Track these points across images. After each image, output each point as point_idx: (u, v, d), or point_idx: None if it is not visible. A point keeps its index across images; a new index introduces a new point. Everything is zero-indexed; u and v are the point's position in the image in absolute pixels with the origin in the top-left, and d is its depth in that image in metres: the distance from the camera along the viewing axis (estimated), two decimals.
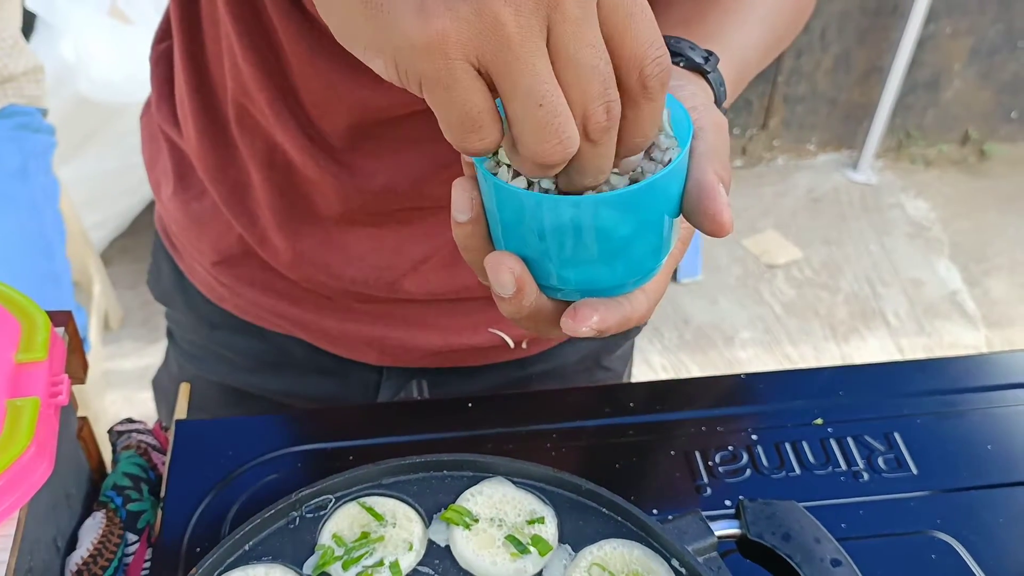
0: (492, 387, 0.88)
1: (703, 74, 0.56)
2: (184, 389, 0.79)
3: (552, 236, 0.46)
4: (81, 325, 1.46)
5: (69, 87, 1.91)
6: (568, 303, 0.49)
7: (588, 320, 0.47)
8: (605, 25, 0.39)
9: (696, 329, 2.38)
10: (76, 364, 0.69)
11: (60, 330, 0.68)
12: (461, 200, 0.48)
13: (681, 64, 0.56)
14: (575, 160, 0.42)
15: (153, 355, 2.14)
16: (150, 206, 2.23)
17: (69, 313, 0.70)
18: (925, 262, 2.60)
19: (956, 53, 2.83)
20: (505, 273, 0.47)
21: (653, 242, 0.47)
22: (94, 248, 2.07)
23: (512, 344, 0.83)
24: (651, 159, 0.48)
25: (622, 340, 0.93)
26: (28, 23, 1.88)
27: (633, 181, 0.47)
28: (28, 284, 1.37)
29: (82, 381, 0.71)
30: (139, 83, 1.96)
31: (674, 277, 2.47)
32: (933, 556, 0.67)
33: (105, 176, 2.06)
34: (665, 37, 0.56)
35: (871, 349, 2.33)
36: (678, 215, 0.48)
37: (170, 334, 0.99)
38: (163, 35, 0.85)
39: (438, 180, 0.73)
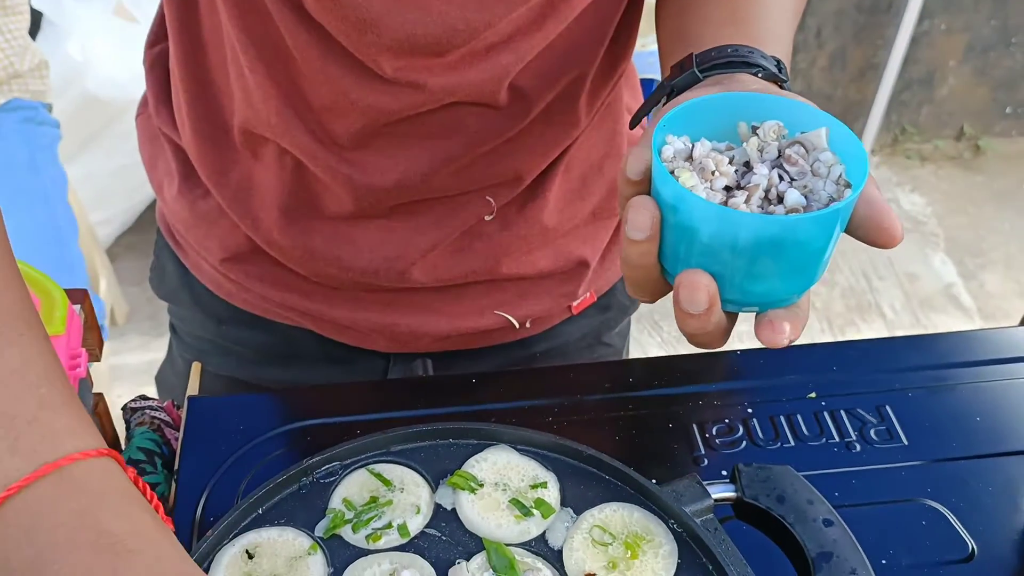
0: (497, 367, 0.90)
1: (779, 83, 0.58)
2: (196, 367, 0.81)
3: (748, 252, 0.49)
4: (99, 313, 1.48)
5: (75, 86, 1.93)
6: (734, 314, 0.53)
7: (784, 331, 0.51)
8: None
9: None
10: (92, 341, 0.72)
11: (77, 307, 0.70)
12: (641, 219, 0.50)
13: (759, 75, 0.57)
14: None
15: (158, 350, 2.15)
16: (155, 203, 2.25)
17: (85, 292, 0.72)
18: (921, 256, 2.62)
19: (951, 50, 2.85)
20: (701, 292, 0.49)
21: (828, 256, 0.51)
22: (100, 244, 2.09)
23: (517, 325, 0.86)
24: (817, 175, 0.51)
25: (621, 316, 0.96)
26: (35, 22, 1.90)
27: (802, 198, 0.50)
28: (43, 271, 1.39)
29: (98, 359, 0.74)
30: (144, 81, 1.98)
31: None
32: (923, 523, 0.69)
33: (111, 173, 2.08)
34: (736, 47, 0.58)
35: None
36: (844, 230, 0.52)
37: (174, 330, 1.00)
38: (156, 39, 0.85)
39: (446, 172, 0.75)
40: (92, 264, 1.97)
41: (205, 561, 0.58)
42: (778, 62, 0.59)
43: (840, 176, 0.51)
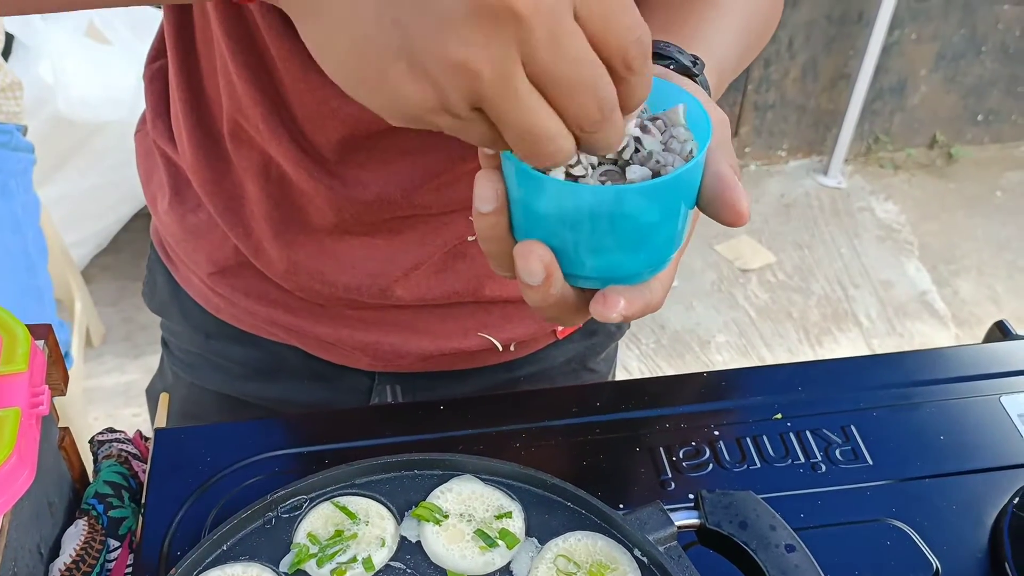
0: (481, 390, 0.91)
1: (692, 77, 0.59)
2: (164, 399, 0.81)
3: (581, 224, 0.48)
4: (63, 340, 1.48)
5: (48, 107, 1.92)
6: (588, 291, 0.52)
7: (616, 306, 0.50)
8: (588, 28, 0.42)
9: (672, 334, 2.41)
10: (57, 376, 0.71)
11: (40, 343, 0.70)
12: (485, 191, 0.50)
13: (671, 67, 0.59)
14: (584, 145, 0.46)
15: (135, 371, 2.15)
16: (130, 224, 2.24)
17: (49, 327, 0.72)
18: (895, 263, 2.64)
19: (921, 59, 2.88)
20: (535, 262, 0.49)
21: (672, 232, 0.50)
22: (75, 266, 2.08)
23: (500, 347, 0.86)
24: (670, 150, 0.50)
25: (607, 342, 0.96)
26: (7, 45, 1.89)
27: (655, 172, 0.49)
28: (10, 300, 1.38)
29: (63, 393, 0.73)
30: (116, 102, 1.98)
31: None
32: (888, 543, 0.70)
33: (85, 194, 2.07)
34: (655, 40, 0.58)
35: (844, 350, 2.37)
36: (694, 207, 0.51)
37: (165, 344, 1.00)
38: (157, 54, 0.86)
39: (428, 188, 0.75)
40: (67, 286, 1.96)
41: None
42: (695, 58, 0.60)
43: (691, 152, 0.50)
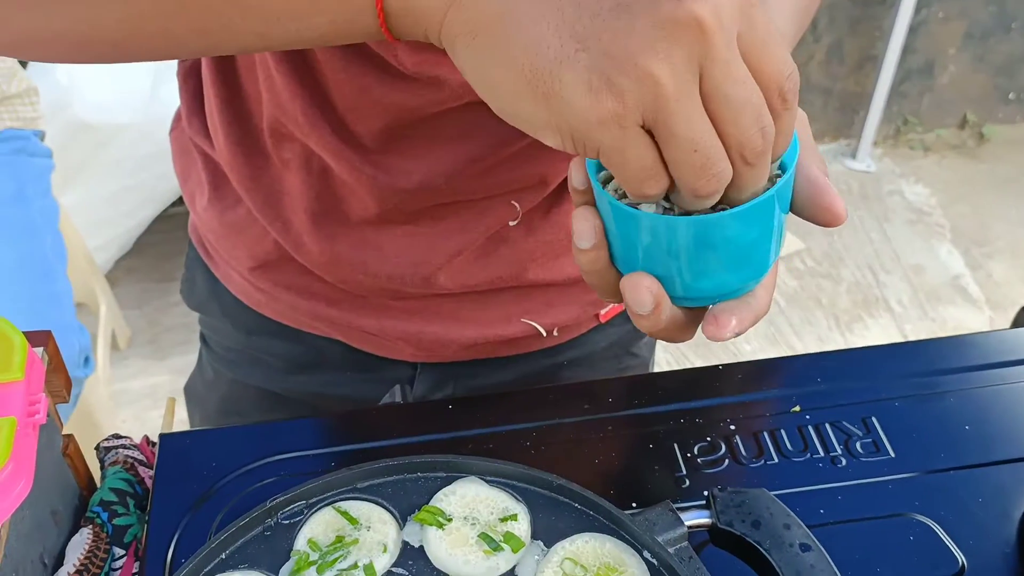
0: (523, 376, 0.90)
1: None
2: (170, 403, 0.80)
3: (683, 253, 0.49)
4: (84, 345, 1.48)
5: (65, 112, 1.93)
6: (697, 308, 0.54)
7: (729, 325, 0.52)
8: (747, 56, 0.43)
9: None
10: (58, 383, 0.70)
11: (39, 350, 0.69)
12: (584, 229, 0.52)
13: None
14: (733, 181, 0.46)
15: (161, 373, 2.16)
16: (152, 226, 2.25)
17: (49, 333, 0.71)
18: (926, 247, 2.59)
19: (949, 38, 2.82)
20: (644, 293, 0.50)
21: (772, 243, 0.51)
22: (99, 270, 2.09)
23: (544, 333, 0.85)
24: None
25: None
26: None
27: None
28: (29, 307, 1.38)
29: (65, 400, 0.72)
30: (133, 105, 1.98)
31: None
32: (911, 538, 0.67)
33: (105, 199, 2.08)
34: None
35: (875, 337, 2.33)
36: (788, 211, 0.52)
37: (204, 340, 1.01)
38: None
39: (471, 174, 0.75)
40: (91, 290, 1.97)
41: None
42: None
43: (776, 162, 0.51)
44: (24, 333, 0.67)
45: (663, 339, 0.55)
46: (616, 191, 0.51)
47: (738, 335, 0.53)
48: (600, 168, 0.52)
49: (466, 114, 0.72)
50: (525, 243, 0.80)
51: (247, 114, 0.79)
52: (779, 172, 0.51)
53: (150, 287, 2.34)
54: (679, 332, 0.54)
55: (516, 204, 0.78)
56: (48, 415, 0.69)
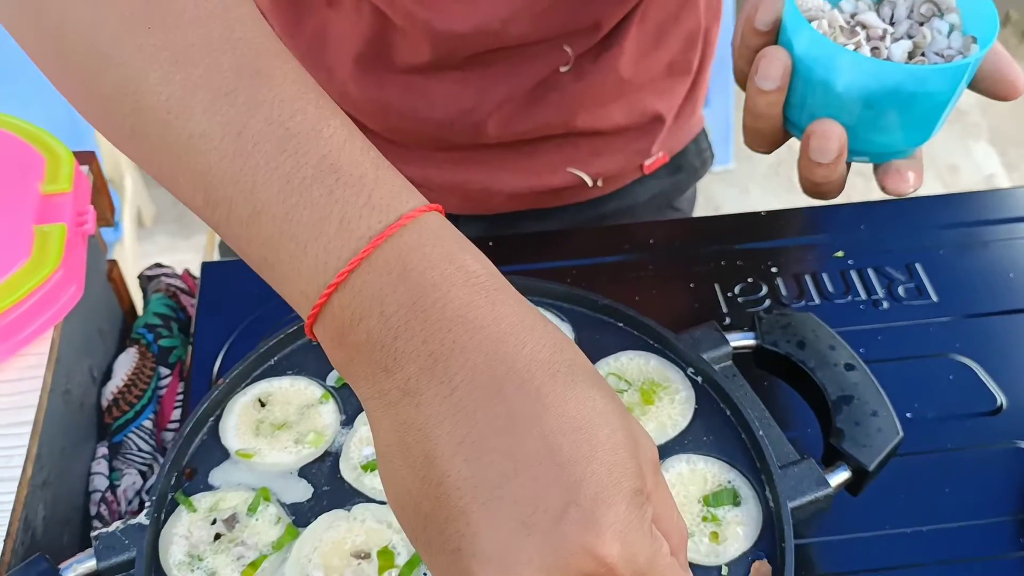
0: (566, 228, 0.89)
1: None
2: (211, 236, 0.80)
3: (881, 101, 0.51)
4: (116, 207, 1.48)
5: None
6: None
7: (909, 180, 0.54)
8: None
9: None
10: (103, 204, 0.71)
11: (84, 168, 0.69)
12: (772, 69, 0.51)
13: None
14: None
15: (187, 251, 2.17)
16: None
17: (92, 153, 0.71)
18: (962, 147, 2.55)
19: None
20: (833, 140, 0.51)
21: (948, 110, 0.53)
22: None
23: (591, 183, 0.84)
24: (939, 31, 0.54)
25: (691, 179, 0.95)
26: None
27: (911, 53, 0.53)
28: (61, 127, 1.38)
29: (109, 223, 0.73)
30: None
31: None
32: (951, 377, 0.67)
33: None
34: None
35: None
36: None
37: None
38: None
39: (526, 17, 0.73)
40: (116, 164, 1.97)
41: (217, 409, 0.57)
42: None
43: (963, 33, 0.54)
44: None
45: (822, 192, 0.55)
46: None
47: (913, 191, 0.54)
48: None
49: None
50: (574, 89, 0.79)
51: None
52: (972, 42, 0.53)
53: None
54: (837, 187, 0.55)
55: (568, 49, 0.77)
56: (93, 238, 0.69)
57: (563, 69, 0.78)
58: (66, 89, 0.43)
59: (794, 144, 0.57)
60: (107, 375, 0.70)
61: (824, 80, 0.51)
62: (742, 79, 0.58)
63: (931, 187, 2.44)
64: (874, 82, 0.50)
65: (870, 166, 0.57)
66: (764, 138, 0.56)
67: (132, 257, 1.91)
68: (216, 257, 0.81)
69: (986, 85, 0.54)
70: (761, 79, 0.52)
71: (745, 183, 2.44)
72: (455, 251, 0.37)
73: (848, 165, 0.56)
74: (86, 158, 0.70)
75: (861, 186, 2.29)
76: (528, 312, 0.37)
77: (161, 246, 2.19)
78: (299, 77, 0.40)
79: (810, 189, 0.56)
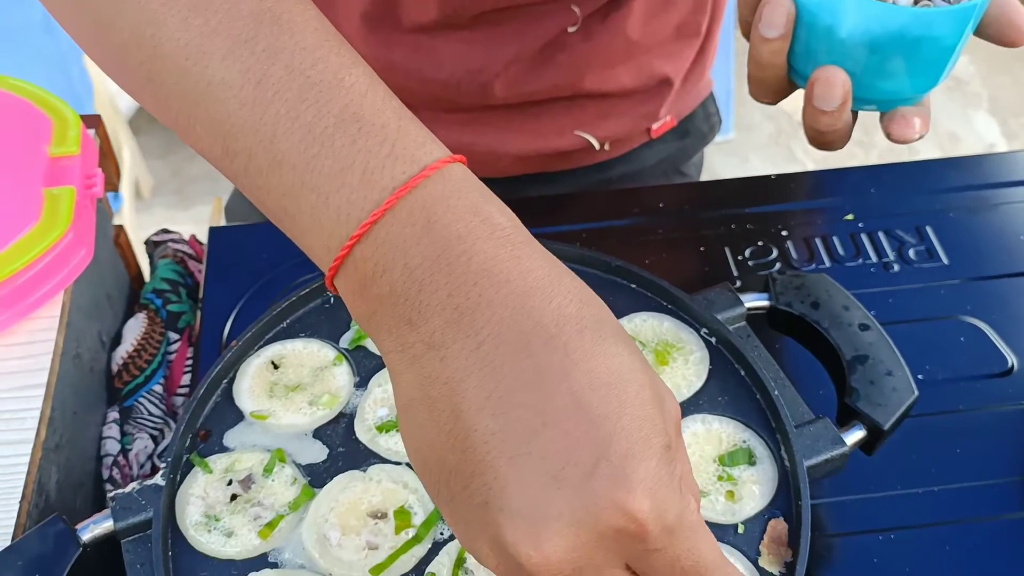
0: (573, 191, 0.89)
1: None
2: (217, 202, 0.80)
3: (886, 47, 0.50)
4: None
5: None
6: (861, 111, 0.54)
7: (915, 126, 0.53)
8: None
9: None
10: (110, 168, 0.70)
11: (91, 132, 0.69)
12: (775, 16, 0.50)
13: None
14: None
15: (186, 222, 2.16)
16: None
17: (99, 116, 0.71)
18: (962, 116, 2.54)
19: None
20: (837, 87, 0.50)
21: (955, 55, 0.51)
22: (122, 115, 2.07)
23: (598, 146, 0.84)
24: None
25: (698, 144, 0.94)
26: None
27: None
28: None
29: (115, 189, 0.72)
30: None
31: None
32: (962, 339, 0.67)
33: None
34: None
35: None
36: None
37: None
38: None
39: None
40: (114, 134, 1.95)
41: (231, 371, 0.57)
42: None
43: None
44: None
45: (827, 141, 0.54)
46: None
47: (919, 139, 0.53)
48: None
49: None
50: (582, 49, 0.79)
51: None
52: None
53: (175, 136, 2.32)
54: (843, 136, 0.54)
55: (576, 9, 0.76)
56: (100, 202, 0.69)
57: (571, 29, 0.77)
58: (81, 35, 0.42)
59: (796, 115, 0.57)
60: (116, 340, 0.69)
61: (828, 26, 0.50)
62: (746, 28, 0.57)
63: (931, 155, 2.44)
64: (879, 26, 0.49)
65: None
66: (769, 88, 0.55)
67: (131, 228, 1.91)
68: (223, 223, 0.81)
69: (993, 30, 0.52)
70: (765, 27, 0.51)
71: (745, 153, 2.43)
72: (480, 203, 0.36)
73: (855, 114, 0.55)
74: (92, 121, 0.69)
75: (860, 155, 2.29)
76: (554, 266, 0.37)
77: (159, 218, 2.18)
78: (320, 25, 0.39)
79: (815, 139, 0.55)
